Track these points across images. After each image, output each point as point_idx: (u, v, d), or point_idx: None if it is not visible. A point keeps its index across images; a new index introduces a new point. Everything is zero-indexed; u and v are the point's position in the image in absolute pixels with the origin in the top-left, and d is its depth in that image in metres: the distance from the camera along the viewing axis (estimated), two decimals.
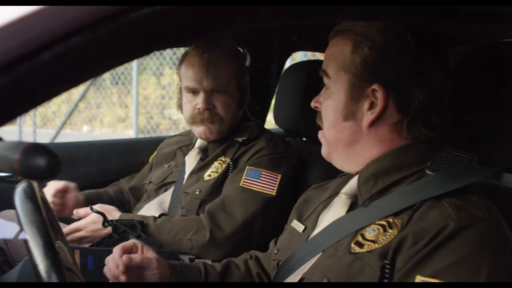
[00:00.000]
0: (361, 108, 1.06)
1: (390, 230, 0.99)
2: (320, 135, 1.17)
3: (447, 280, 0.88)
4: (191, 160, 1.89)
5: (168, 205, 1.83)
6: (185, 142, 2.03)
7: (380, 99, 1.04)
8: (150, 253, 1.21)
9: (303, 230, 1.22)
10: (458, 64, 1.17)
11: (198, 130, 1.80)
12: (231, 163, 1.75)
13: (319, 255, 1.10)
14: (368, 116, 1.06)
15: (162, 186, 1.92)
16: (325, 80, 1.12)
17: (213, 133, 1.80)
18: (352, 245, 1.03)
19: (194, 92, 1.78)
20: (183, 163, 1.92)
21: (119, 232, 1.62)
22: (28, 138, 7.91)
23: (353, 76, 1.06)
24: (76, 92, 7.80)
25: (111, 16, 0.62)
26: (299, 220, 1.27)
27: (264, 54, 2.28)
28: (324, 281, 1.03)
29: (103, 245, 1.60)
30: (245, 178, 1.69)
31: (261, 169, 1.71)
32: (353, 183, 1.14)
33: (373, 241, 1.00)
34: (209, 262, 1.38)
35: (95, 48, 0.64)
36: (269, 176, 1.70)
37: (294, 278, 1.12)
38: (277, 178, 1.70)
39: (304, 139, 2.09)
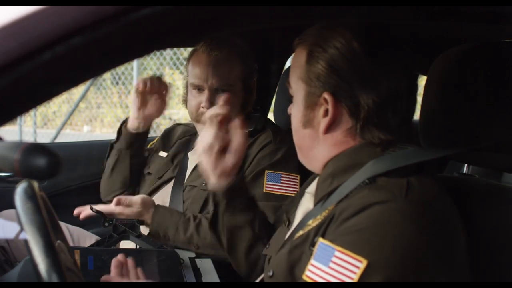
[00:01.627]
0: (316, 115, 1.10)
1: (323, 213, 1.04)
2: None
3: (339, 245, 0.92)
4: (194, 157, 1.86)
5: (169, 202, 1.82)
6: (187, 133, 2.02)
7: (330, 106, 1.07)
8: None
9: (287, 225, 1.26)
10: (458, 64, 1.17)
11: (202, 128, 1.80)
12: None
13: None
14: (323, 123, 1.09)
15: (161, 183, 1.91)
16: (289, 89, 1.17)
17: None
18: (300, 232, 1.07)
19: (199, 89, 1.78)
20: (184, 157, 1.91)
21: (119, 232, 1.62)
22: (28, 138, 7.90)
23: (307, 85, 1.10)
24: (76, 92, 7.79)
25: (112, 16, 0.62)
26: (287, 215, 1.31)
27: (264, 54, 2.27)
28: (269, 274, 1.08)
29: (103, 245, 1.60)
30: (267, 184, 1.69)
31: (279, 172, 1.71)
32: (314, 183, 1.19)
33: (309, 225, 1.06)
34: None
35: (95, 48, 0.64)
36: (289, 178, 1.71)
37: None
38: (297, 179, 1.71)
39: None
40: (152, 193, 1.90)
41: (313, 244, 1.00)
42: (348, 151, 1.09)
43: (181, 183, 1.84)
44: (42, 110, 8.64)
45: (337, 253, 0.92)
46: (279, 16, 0.78)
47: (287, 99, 1.96)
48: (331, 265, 0.91)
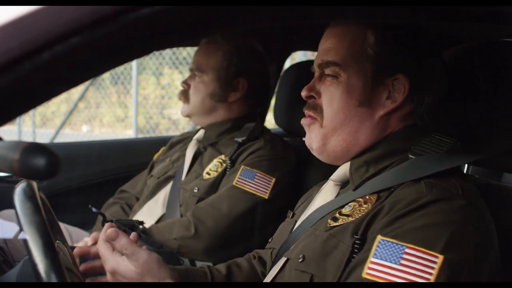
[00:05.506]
0: (379, 96, 1.09)
1: (364, 205, 1.02)
2: (314, 125, 1.15)
3: (405, 242, 0.90)
4: (189, 150, 1.92)
5: (167, 202, 1.83)
6: (189, 138, 2.05)
7: (403, 89, 1.07)
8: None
9: (292, 217, 1.26)
10: (458, 63, 1.17)
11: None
12: (229, 162, 1.76)
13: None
14: (387, 105, 1.08)
15: (163, 181, 1.92)
16: (331, 68, 1.11)
17: (183, 110, 1.92)
18: (329, 220, 1.06)
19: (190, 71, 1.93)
20: (183, 156, 1.93)
21: None
22: (27, 138, 7.91)
23: (373, 64, 1.08)
24: (75, 92, 7.79)
25: (111, 16, 0.62)
26: (291, 209, 1.31)
27: (263, 55, 2.27)
28: (300, 257, 1.05)
29: None
30: (239, 178, 1.69)
31: (255, 170, 1.70)
32: (341, 170, 1.16)
33: (348, 215, 1.03)
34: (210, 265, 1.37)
35: (94, 48, 0.64)
36: (263, 178, 1.70)
37: (280, 262, 1.14)
38: (271, 181, 1.70)
39: (304, 139, 2.09)
40: (152, 193, 1.91)
41: (357, 237, 0.97)
42: (384, 140, 1.10)
43: (178, 184, 1.85)
44: (41, 110, 8.64)
45: (408, 250, 0.89)
46: (279, 16, 0.77)
47: (287, 99, 1.98)
48: (403, 262, 0.88)
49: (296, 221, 1.22)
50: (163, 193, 1.89)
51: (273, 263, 1.19)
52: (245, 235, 1.65)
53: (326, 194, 1.18)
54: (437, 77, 1.10)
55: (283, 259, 1.14)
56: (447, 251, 0.88)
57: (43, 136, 8.05)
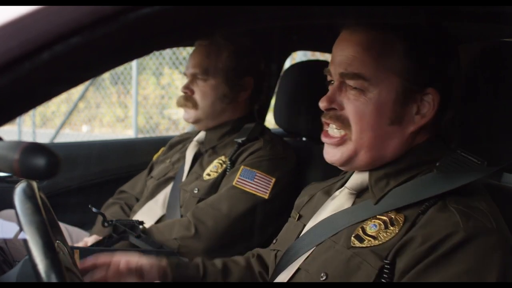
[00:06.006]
0: (409, 112, 1.04)
1: (391, 228, 0.99)
2: (341, 138, 1.07)
3: None
4: (189, 151, 1.91)
5: (167, 202, 1.83)
6: (189, 139, 2.04)
7: (432, 103, 1.03)
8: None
9: (298, 219, 1.23)
10: None
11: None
12: (229, 163, 1.75)
13: (315, 246, 1.10)
14: (417, 121, 1.04)
15: (163, 182, 1.92)
16: (357, 82, 1.04)
17: (189, 116, 1.85)
18: (352, 238, 1.03)
19: (185, 74, 1.88)
20: (184, 157, 1.93)
21: (119, 232, 1.62)
22: (27, 138, 7.90)
23: (403, 79, 1.02)
24: (75, 92, 7.79)
25: (111, 16, 0.62)
26: (297, 210, 1.28)
27: (264, 54, 2.28)
28: (322, 275, 1.02)
29: (103, 245, 1.60)
30: (238, 178, 1.68)
31: (255, 170, 1.70)
32: (358, 179, 1.12)
33: (374, 237, 1.00)
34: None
35: (94, 48, 0.64)
36: (263, 179, 1.70)
37: (291, 269, 1.12)
38: (271, 182, 1.70)
39: (304, 139, 2.09)
40: (152, 194, 1.91)
41: (386, 261, 0.95)
42: (407, 153, 1.06)
43: (178, 185, 1.85)
44: (41, 110, 8.64)
45: None
46: (279, 16, 0.77)
47: (287, 99, 1.98)
48: None
49: (304, 225, 1.18)
50: (163, 194, 1.89)
51: (279, 266, 1.17)
52: (245, 235, 1.65)
53: (340, 201, 1.13)
54: (460, 85, 1.08)
55: (294, 267, 1.11)
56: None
57: (43, 136, 8.04)
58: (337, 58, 1.07)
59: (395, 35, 1.03)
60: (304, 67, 2.03)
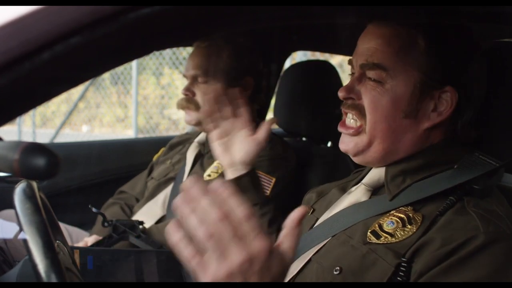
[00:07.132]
0: (425, 108, 1.05)
1: (408, 226, 0.99)
2: (357, 129, 1.09)
3: None
4: (190, 153, 1.91)
5: (168, 203, 1.83)
6: (188, 140, 2.04)
7: (450, 102, 1.03)
8: None
9: (312, 213, 1.22)
10: None
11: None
12: None
13: (329, 238, 1.09)
14: (432, 118, 1.05)
15: (163, 182, 1.92)
16: (376, 72, 1.05)
17: (191, 118, 1.84)
18: (369, 233, 1.03)
19: (184, 76, 1.87)
20: (184, 158, 1.93)
21: (119, 232, 1.62)
22: (27, 138, 7.89)
23: (423, 74, 1.03)
24: (75, 92, 7.79)
25: (111, 16, 0.62)
26: (308, 203, 1.28)
27: (263, 54, 2.28)
28: (336, 268, 1.02)
29: (103, 245, 1.60)
30: None
31: (255, 170, 1.70)
32: (375, 175, 1.13)
33: (391, 234, 1.00)
34: None
35: (94, 48, 0.64)
36: (263, 179, 1.69)
37: (302, 259, 1.11)
38: (271, 181, 1.69)
39: (304, 139, 2.09)
40: (152, 195, 1.91)
41: (404, 259, 0.95)
42: (425, 150, 1.07)
43: (179, 186, 1.85)
44: (41, 110, 8.64)
45: None
46: (279, 16, 0.77)
47: (287, 99, 1.98)
48: None
49: (317, 219, 1.19)
50: (163, 194, 1.89)
51: None
52: None
53: (356, 196, 1.14)
54: (481, 87, 1.08)
55: (305, 257, 1.11)
56: None
57: (43, 136, 8.04)
58: (360, 49, 1.09)
59: (418, 31, 1.04)
60: (304, 67, 2.03)
